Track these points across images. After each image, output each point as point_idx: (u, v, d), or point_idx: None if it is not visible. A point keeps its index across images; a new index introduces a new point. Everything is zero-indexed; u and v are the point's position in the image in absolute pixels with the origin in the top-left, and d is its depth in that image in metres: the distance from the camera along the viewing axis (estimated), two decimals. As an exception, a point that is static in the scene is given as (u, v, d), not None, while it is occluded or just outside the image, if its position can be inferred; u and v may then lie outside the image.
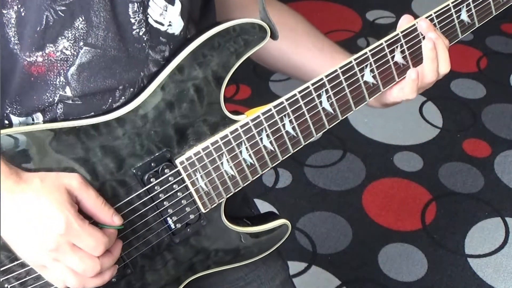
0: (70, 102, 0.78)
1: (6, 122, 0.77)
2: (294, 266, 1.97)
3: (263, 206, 2.15)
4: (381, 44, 0.88)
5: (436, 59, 0.89)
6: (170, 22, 0.81)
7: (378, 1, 3.24)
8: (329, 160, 2.37)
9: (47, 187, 0.71)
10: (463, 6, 0.91)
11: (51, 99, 0.76)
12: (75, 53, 0.75)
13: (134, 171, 0.80)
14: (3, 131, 0.74)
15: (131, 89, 0.80)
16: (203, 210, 0.86)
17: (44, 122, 0.78)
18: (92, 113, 0.79)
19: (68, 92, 0.76)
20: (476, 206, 2.19)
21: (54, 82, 0.76)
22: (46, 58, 0.74)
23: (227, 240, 0.91)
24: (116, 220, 0.76)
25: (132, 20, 0.77)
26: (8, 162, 0.72)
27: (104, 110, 0.79)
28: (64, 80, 0.76)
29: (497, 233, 2.11)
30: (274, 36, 0.84)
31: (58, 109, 0.77)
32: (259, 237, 0.94)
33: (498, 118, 2.56)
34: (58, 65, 0.75)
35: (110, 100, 0.79)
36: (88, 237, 0.72)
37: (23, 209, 0.70)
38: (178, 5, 0.80)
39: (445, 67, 0.90)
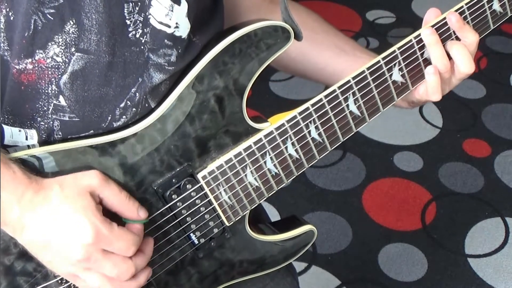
0: (67, 119, 0.74)
1: None
2: (294, 266, 1.97)
3: (263, 206, 2.15)
4: (411, 41, 0.83)
5: (438, 44, 0.84)
6: (177, 23, 0.75)
7: (378, 1, 3.23)
8: (329, 160, 2.36)
9: (68, 193, 0.68)
10: None
11: (45, 108, 0.73)
12: (66, 60, 0.71)
13: (155, 188, 0.77)
14: (15, 154, 0.71)
15: (134, 109, 0.76)
16: (227, 224, 0.83)
17: (40, 140, 0.74)
18: (92, 131, 0.75)
19: (62, 101, 0.73)
20: (476, 206, 2.19)
21: (46, 91, 0.72)
22: (36, 65, 0.70)
23: (252, 250, 0.88)
24: (141, 214, 0.73)
25: (128, 22, 0.72)
26: (25, 171, 0.68)
27: (104, 128, 0.75)
28: (56, 89, 0.72)
29: (497, 233, 2.11)
30: (298, 37, 0.79)
31: (55, 126, 0.74)
32: (285, 244, 0.90)
33: (498, 118, 2.56)
34: (49, 72, 0.71)
35: (109, 118, 0.75)
36: (118, 240, 0.69)
37: (47, 221, 0.67)
38: (184, 5, 0.75)
39: (464, 66, 0.84)
